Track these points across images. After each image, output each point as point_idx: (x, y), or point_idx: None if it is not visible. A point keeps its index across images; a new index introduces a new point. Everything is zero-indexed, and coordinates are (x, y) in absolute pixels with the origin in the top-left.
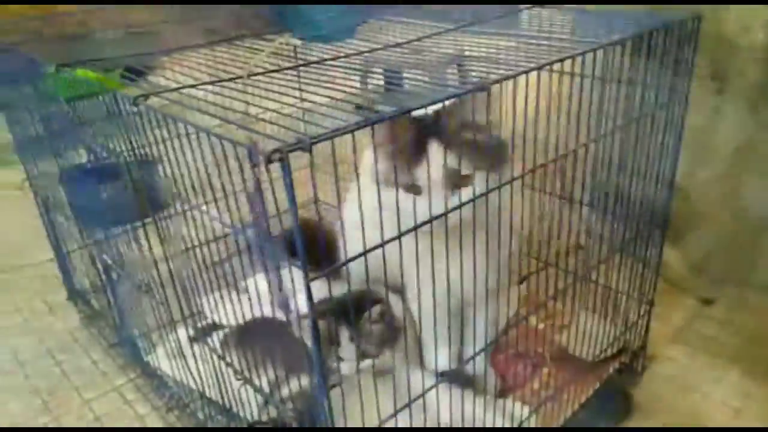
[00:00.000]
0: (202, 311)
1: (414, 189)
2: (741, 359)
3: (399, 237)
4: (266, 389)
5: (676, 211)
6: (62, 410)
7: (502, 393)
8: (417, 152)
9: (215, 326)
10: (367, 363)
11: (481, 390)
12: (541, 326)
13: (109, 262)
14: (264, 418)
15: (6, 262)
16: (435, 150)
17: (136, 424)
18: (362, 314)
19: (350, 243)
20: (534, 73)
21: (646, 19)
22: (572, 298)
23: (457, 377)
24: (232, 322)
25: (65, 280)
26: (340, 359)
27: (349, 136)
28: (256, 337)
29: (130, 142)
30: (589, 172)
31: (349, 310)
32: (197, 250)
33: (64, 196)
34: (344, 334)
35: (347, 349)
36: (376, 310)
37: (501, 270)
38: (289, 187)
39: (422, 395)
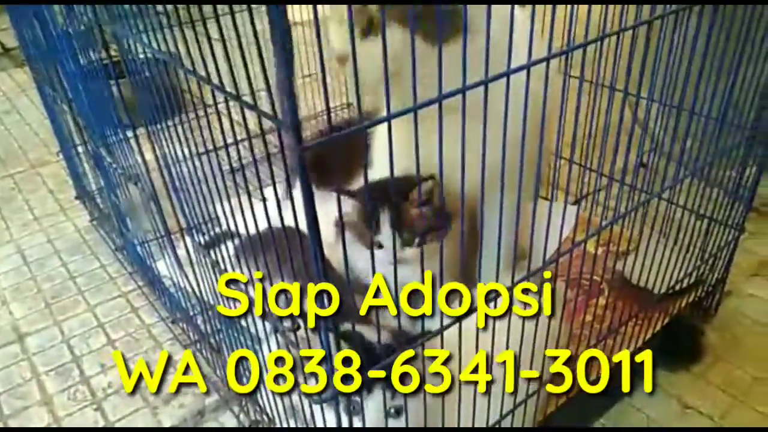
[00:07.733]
0: (216, 218)
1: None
2: None
3: None
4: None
5: None
6: (65, 315)
7: None
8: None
9: (227, 235)
10: (408, 252)
11: None
12: (598, 251)
13: (111, 164)
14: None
15: (22, 159)
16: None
17: (141, 333)
18: (407, 197)
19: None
20: None
21: None
22: (641, 222)
23: None
24: (249, 231)
25: (74, 179)
26: (379, 246)
27: None
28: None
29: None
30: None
31: (391, 194)
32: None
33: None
34: (385, 219)
35: (387, 235)
36: (426, 186)
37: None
38: None
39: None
